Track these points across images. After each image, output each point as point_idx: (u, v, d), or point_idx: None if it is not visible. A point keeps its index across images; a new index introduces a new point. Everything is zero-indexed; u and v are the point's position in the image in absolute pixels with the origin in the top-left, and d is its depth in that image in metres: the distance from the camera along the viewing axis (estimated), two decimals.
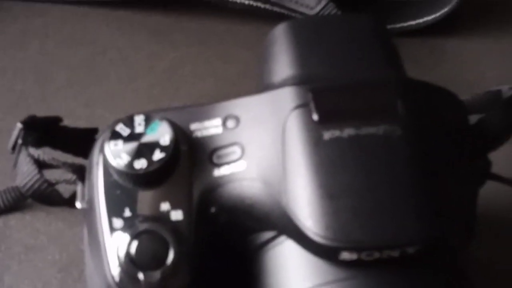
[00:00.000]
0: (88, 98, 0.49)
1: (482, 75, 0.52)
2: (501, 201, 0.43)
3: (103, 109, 0.48)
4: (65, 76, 0.50)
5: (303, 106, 0.32)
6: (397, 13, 0.52)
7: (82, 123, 0.42)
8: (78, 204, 0.35)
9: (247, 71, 0.50)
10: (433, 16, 0.52)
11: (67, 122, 0.41)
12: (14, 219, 0.43)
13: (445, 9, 0.52)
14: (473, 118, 0.37)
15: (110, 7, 0.53)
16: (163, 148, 0.32)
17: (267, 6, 0.52)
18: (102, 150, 0.33)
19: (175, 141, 0.32)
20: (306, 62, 0.33)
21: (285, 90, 0.32)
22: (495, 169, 0.39)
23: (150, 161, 0.32)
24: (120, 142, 0.33)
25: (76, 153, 0.39)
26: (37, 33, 0.52)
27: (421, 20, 0.52)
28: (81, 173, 0.36)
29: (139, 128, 0.33)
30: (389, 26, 0.52)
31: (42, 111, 0.46)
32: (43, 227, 0.43)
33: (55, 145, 0.39)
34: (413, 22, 0.52)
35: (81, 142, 0.38)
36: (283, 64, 0.34)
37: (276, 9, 0.52)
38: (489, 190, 0.41)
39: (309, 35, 0.34)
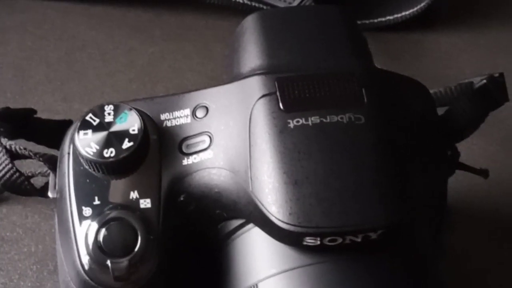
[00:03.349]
0: (67, 93, 0.49)
1: (460, 70, 0.52)
2: (472, 191, 0.43)
3: (81, 104, 0.48)
4: (44, 71, 0.50)
5: (269, 94, 0.32)
6: (375, 8, 0.53)
7: (60, 118, 0.42)
8: (50, 194, 0.36)
9: (217, 60, 0.50)
10: (411, 11, 0.52)
11: (45, 116, 0.41)
12: None
13: (423, 4, 0.52)
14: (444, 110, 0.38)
15: (89, 2, 0.54)
16: (131, 137, 0.33)
17: (246, 1, 0.52)
18: (72, 139, 0.33)
19: (144, 130, 0.33)
20: (273, 52, 0.33)
21: (252, 79, 0.33)
22: (470, 159, 0.39)
23: (118, 150, 0.32)
24: (89, 132, 0.33)
25: (50, 145, 0.40)
26: (16, 28, 0.53)
27: (399, 15, 0.53)
28: (54, 164, 0.36)
29: (108, 118, 0.34)
30: (367, 21, 0.52)
31: (20, 106, 0.46)
32: (19, 220, 0.43)
33: (29, 137, 0.39)
34: (391, 17, 0.53)
35: (55, 134, 0.38)
36: (251, 54, 0.34)
37: (255, 3, 0.52)
38: (464, 181, 0.41)
39: (277, 26, 0.34)
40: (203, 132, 0.33)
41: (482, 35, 0.54)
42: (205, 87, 0.35)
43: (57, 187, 0.35)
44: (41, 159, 0.37)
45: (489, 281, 0.42)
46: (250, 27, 0.35)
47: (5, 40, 0.52)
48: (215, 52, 0.52)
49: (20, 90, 0.49)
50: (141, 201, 0.33)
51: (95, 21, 0.53)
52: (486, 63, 0.53)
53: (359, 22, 0.41)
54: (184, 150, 0.33)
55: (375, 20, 0.53)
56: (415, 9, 0.52)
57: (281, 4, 0.51)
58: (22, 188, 0.39)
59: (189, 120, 0.34)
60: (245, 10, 0.52)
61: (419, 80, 0.36)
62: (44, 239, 0.42)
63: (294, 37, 0.34)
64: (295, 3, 0.51)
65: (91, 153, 0.32)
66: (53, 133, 0.39)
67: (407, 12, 0.52)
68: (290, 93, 0.32)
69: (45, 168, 0.39)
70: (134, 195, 0.33)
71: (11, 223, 0.43)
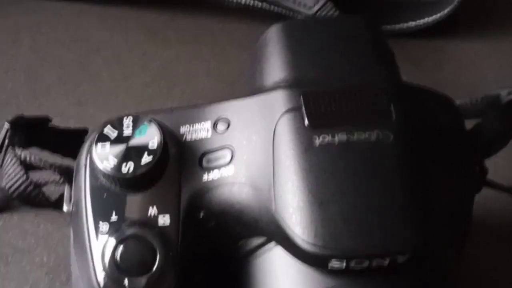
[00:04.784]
0: (80, 97, 0.48)
1: (482, 77, 0.51)
2: (499, 207, 0.42)
3: (95, 108, 0.47)
4: (57, 74, 0.49)
5: (294, 110, 0.31)
6: (397, 14, 0.52)
7: (73, 122, 0.42)
8: (65, 207, 0.35)
9: (242, 71, 0.49)
10: (433, 18, 0.51)
11: (58, 120, 0.40)
12: (2, 220, 0.42)
13: (446, 11, 0.51)
14: (471, 123, 0.37)
15: (104, 4, 0.53)
16: (151, 152, 0.32)
17: (264, 5, 0.51)
18: (89, 152, 0.32)
19: (164, 144, 0.32)
20: (297, 64, 0.32)
21: (276, 93, 0.32)
22: (494, 175, 0.38)
23: (137, 165, 0.31)
24: (107, 145, 0.32)
25: (65, 154, 0.39)
26: (29, 29, 0.52)
27: (421, 22, 0.51)
28: (69, 175, 0.35)
29: (127, 131, 0.33)
30: (389, 27, 0.51)
31: (33, 109, 0.46)
32: (31, 228, 0.42)
33: (43, 146, 0.39)
34: (413, 24, 0.52)
35: (70, 142, 0.38)
36: (274, 67, 0.33)
37: (273, 8, 0.51)
38: (488, 196, 0.40)
39: (301, 38, 0.33)
40: (225, 146, 0.32)
41: (504, 42, 0.53)
42: (225, 98, 0.34)
43: (72, 200, 0.34)
44: (56, 171, 0.36)
45: None
46: (273, 38, 0.34)
47: (18, 41, 0.51)
48: (232, 56, 0.51)
49: (33, 93, 0.48)
50: (160, 217, 0.32)
51: (110, 23, 0.52)
52: (509, 69, 0.51)
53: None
54: (205, 164, 0.32)
55: (396, 27, 0.52)
56: (437, 15, 0.51)
57: (301, 9, 0.50)
58: (36, 201, 0.38)
59: (210, 133, 0.33)
60: (263, 15, 0.51)
61: (441, 87, 0.35)
62: (57, 249, 0.41)
63: (319, 50, 0.33)
64: (315, 8, 0.49)
65: (109, 167, 0.31)
66: (68, 142, 0.38)
67: (428, 19, 0.51)
68: (316, 108, 0.31)
69: (57, 176, 0.38)
70: (152, 211, 0.32)
71: (23, 231, 0.42)
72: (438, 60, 0.52)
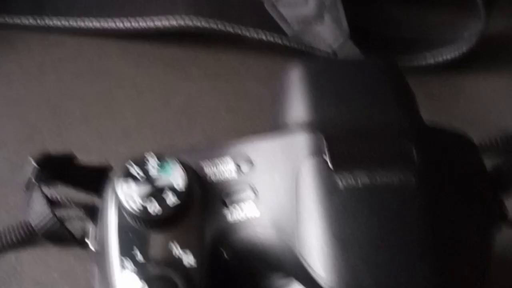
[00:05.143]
0: (103, 132, 0.49)
1: (500, 115, 0.51)
2: None
3: (118, 143, 0.48)
4: (80, 109, 0.50)
5: (317, 153, 0.31)
6: (417, 52, 0.52)
7: (95, 157, 0.42)
8: (89, 244, 0.35)
9: (263, 107, 0.49)
10: (452, 55, 0.52)
11: (81, 155, 0.41)
12: (25, 254, 0.43)
13: (464, 48, 0.51)
14: (491, 161, 0.37)
15: (126, 39, 0.53)
16: (177, 193, 0.32)
17: (284, 41, 0.52)
18: (114, 191, 0.33)
19: (190, 185, 0.32)
20: (320, 106, 0.33)
21: (300, 135, 0.32)
22: None
23: (163, 206, 0.32)
24: (132, 184, 0.33)
25: (89, 190, 0.39)
26: (53, 65, 0.52)
27: (440, 59, 0.52)
28: (93, 212, 0.36)
29: (152, 170, 0.33)
30: (407, 64, 0.52)
31: (56, 144, 0.47)
32: (55, 263, 0.43)
33: (67, 182, 0.39)
34: (432, 61, 0.52)
35: (94, 179, 0.38)
36: (297, 107, 0.33)
37: (293, 45, 0.51)
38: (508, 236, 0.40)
39: (323, 79, 0.34)
40: (248, 186, 0.33)
41: None
42: (246, 135, 0.34)
43: (97, 237, 0.34)
44: (82, 210, 0.37)
45: None
46: (296, 77, 0.35)
47: (42, 76, 0.52)
48: (252, 92, 0.51)
49: (56, 128, 0.49)
50: (184, 257, 0.32)
51: (131, 58, 0.53)
52: None
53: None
54: (228, 204, 0.33)
55: (415, 63, 0.52)
56: (456, 53, 0.52)
57: (321, 46, 0.50)
58: (62, 238, 0.39)
59: (233, 173, 0.33)
60: (283, 51, 0.52)
61: (457, 122, 0.35)
62: (79, 283, 0.42)
63: (341, 92, 0.33)
64: (335, 45, 0.50)
65: (134, 207, 0.32)
66: (92, 178, 0.39)
67: (447, 56, 0.52)
68: (339, 151, 0.31)
69: (83, 213, 0.38)
70: (177, 251, 0.32)
71: (47, 266, 0.43)
72: (455, 95, 0.53)
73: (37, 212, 0.37)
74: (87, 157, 0.41)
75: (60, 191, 0.38)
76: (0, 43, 0.53)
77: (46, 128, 0.49)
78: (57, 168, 0.38)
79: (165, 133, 0.49)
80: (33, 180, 0.37)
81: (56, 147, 0.41)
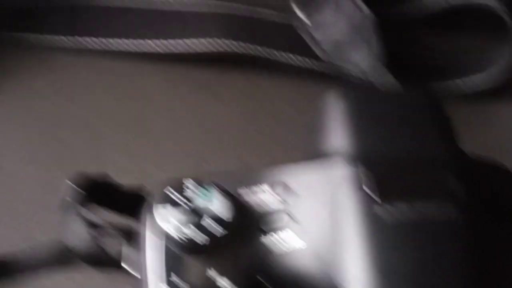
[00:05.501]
0: (139, 155, 0.49)
1: None
2: None
3: (153, 166, 0.48)
4: (113, 129, 0.50)
5: (360, 185, 0.32)
6: (449, 79, 0.52)
7: (128, 178, 0.42)
8: (126, 268, 0.35)
9: (295, 130, 0.49)
10: (485, 83, 0.52)
11: (114, 176, 0.41)
12: (61, 276, 0.43)
13: (497, 76, 0.51)
14: None
15: (160, 61, 0.54)
16: (214, 218, 0.32)
17: (317, 66, 0.52)
18: (154, 217, 0.33)
19: (228, 211, 0.32)
20: (362, 137, 0.33)
21: (342, 167, 0.32)
22: None
23: (202, 231, 0.32)
24: (173, 210, 0.33)
25: (125, 213, 0.39)
26: (88, 85, 0.53)
27: (473, 86, 0.52)
28: (130, 236, 0.36)
29: (189, 194, 0.33)
30: (440, 91, 0.52)
31: (89, 165, 0.47)
32: (88, 284, 0.43)
33: (104, 204, 0.39)
34: (464, 88, 0.52)
35: (130, 202, 0.38)
36: (339, 137, 0.34)
37: (325, 69, 0.52)
38: None
39: (365, 109, 0.34)
40: (284, 211, 0.33)
41: None
42: (279, 158, 0.34)
43: (133, 260, 0.35)
44: (119, 233, 0.37)
45: None
46: (336, 106, 0.35)
47: (76, 96, 0.52)
48: (284, 115, 0.51)
49: (89, 148, 0.49)
50: (219, 280, 0.32)
51: (166, 80, 0.53)
52: None
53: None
54: (264, 228, 0.33)
55: (447, 91, 0.52)
56: (490, 80, 0.52)
57: (354, 71, 0.51)
58: (99, 262, 0.39)
59: (269, 197, 0.34)
60: (315, 75, 0.52)
61: (489, 150, 0.35)
62: None
63: (383, 123, 0.34)
64: (368, 71, 0.50)
65: (172, 231, 0.32)
66: (127, 200, 0.39)
67: (480, 84, 0.52)
68: (380, 182, 0.31)
69: (119, 235, 0.38)
70: (212, 273, 0.32)
71: (79, 286, 0.43)
72: (486, 122, 0.52)
73: (76, 234, 0.37)
74: (120, 178, 0.42)
75: (96, 213, 0.39)
76: (36, 62, 0.54)
77: (79, 148, 0.49)
78: (93, 190, 0.39)
79: (199, 156, 0.49)
80: (71, 201, 0.37)
81: (89, 167, 0.42)
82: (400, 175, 0.31)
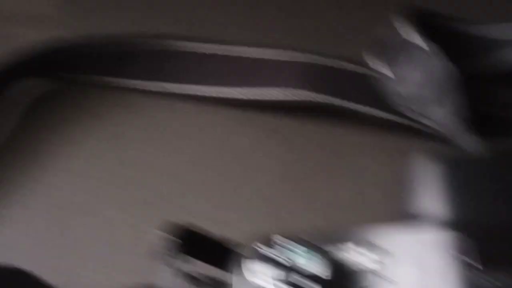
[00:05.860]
0: (224, 203, 0.50)
1: None
2: None
3: (239, 215, 0.48)
4: (194, 175, 0.51)
5: (456, 250, 0.32)
6: None
7: (211, 226, 0.43)
8: None
9: (379, 185, 0.50)
10: None
11: (203, 226, 0.42)
12: None
13: None
14: None
15: (241, 108, 0.55)
16: (309, 275, 0.33)
17: (397, 120, 0.52)
18: (241, 269, 0.33)
19: (324, 268, 0.33)
20: (460, 203, 0.33)
21: (436, 230, 0.32)
22: None
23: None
24: (260, 263, 0.33)
25: (211, 262, 0.40)
26: (171, 130, 0.54)
27: None
28: (219, 285, 0.36)
29: (282, 251, 0.34)
30: None
31: (173, 212, 0.48)
32: None
33: (191, 253, 0.40)
34: None
35: (216, 251, 0.39)
36: (429, 199, 0.34)
37: (406, 123, 0.52)
38: None
39: (455, 171, 0.34)
40: (377, 271, 0.33)
41: None
42: (361, 209, 0.34)
43: None
44: (210, 282, 0.38)
45: None
46: (425, 167, 0.35)
47: (160, 141, 0.53)
48: (365, 168, 0.51)
49: (173, 194, 0.50)
50: None
51: (247, 128, 0.54)
52: None
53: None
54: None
55: None
56: None
57: (438, 128, 0.50)
58: None
59: (361, 256, 0.34)
60: (396, 127, 0.52)
61: None
62: None
63: (474, 185, 0.34)
64: (452, 128, 0.50)
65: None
66: (215, 251, 0.39)
67: None
68: (479, 249, 0.31)
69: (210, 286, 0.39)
70: None
71: None
72: None
73: (167, 284, 0.38)
74: (205, 227, 0.42)
75: (186, 263, 0.39)
76: (120, 106, 0.55)
77: (163, 194, 0.50)
78: (183, 239, 0.39)
79: (280, 207, 0.49)
80: (164, 251, 0.38)
81: (173, 214, 0.43)
82: (499, 242, 0.31)
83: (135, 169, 0.52)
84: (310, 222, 0.47)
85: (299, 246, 0.34)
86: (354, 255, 0.34)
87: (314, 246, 0.34)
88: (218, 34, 0.57)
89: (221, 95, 0.55)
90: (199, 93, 0.55)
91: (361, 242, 0.34)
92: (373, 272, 0.33)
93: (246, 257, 0.34)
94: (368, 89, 0.52)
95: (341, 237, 0.34)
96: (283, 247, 0.34)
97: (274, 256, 0.33)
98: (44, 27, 0.62)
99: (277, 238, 0.34)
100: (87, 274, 0.46)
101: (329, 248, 0.34)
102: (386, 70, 0.52)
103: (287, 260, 0.33)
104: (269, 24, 0.60)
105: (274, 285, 0.32)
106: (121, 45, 0.57)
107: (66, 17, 0.64)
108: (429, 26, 0.52)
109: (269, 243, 0.34)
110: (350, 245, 0.34)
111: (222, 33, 0.58)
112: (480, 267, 0.31)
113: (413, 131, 0.52)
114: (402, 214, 0.35)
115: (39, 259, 0.47)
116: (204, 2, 0.63)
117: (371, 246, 0.34)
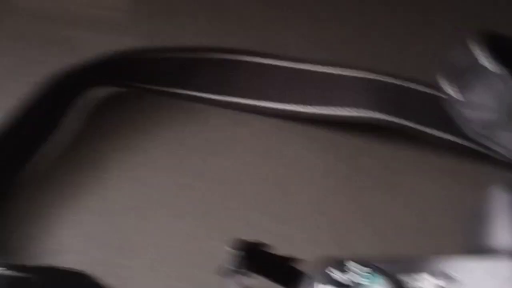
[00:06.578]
0: (279, 216, 0.49)
1: None
2: None
3: (297, 231, 0.48)
4: (255, 190, 0.51)
5: None
6: None
7: (273, 241, 0.42)
8: None
9: (446, 212, 0.49)
10: None
11: (261, 239, 0.41)
12: None
13: None
14: None
15: (307, 124, 0.55)
16: None
17: (463, 143, 0.52)
18: None
19: None
20: None
21: None
22: None
23: None
24: None
25: (279, 281, 0.40)
26: (231, 141, 0.54)
27: None
28: None
29: (352, 276, 0.34)
30: None
31: (233, 224, 0.48)
32: None
33: (259, 271, 0.40)
34: None
35: (284, 270, 0.39)
36: (507, 233, 0.33)
37: (476, 147, 0.51)
38: None
39: None
40: None
41: None
42: (448, 255, 0.34)
43: None
44: None
45: None
46: (502, 199, 0.35)
47: (228, 158, 0.53)
48: (434, 196, 0.51)
49: (232, 206, 0.50)
50: None
51: (309, 143, 0.54)
52: None
53: None
54: None
55: None
56: None
57: (505, 152, 0.50)
58: None
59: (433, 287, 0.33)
60: (462, 150, 0.52)
61: None
62: None
63: None
64: None
65: None
66: (283, 270, 0.39)
67: None
68: None
69: None
70: None
71: None
72: None
73: None
74: (270, 244, 0.42)
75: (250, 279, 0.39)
76: (185, 116, 0.56)
77: (222, 205, 0.50)
78: (252, 257, 0.39)
79: (344, 228, 0.49)
80: (229, 266, 0.38)
81: (236, 228, 0.42)
82: None
83: (197, 180, 0.52)
84: (376, 247, 0.47)
85: (372, 272, 0.33)
86: (426, 285, 0.33)
87: (388, 274, 0.33)
88: (290, 51, 0.58)
89: (287, 110, 0.55)
90: (266, 106, 0.56)
91: (435, 272, 0.34)
92: None
93: (318, 280, 0.33)
94: (438, 112, 0.52)
95: (413, 266, 0.34)
96: (356, 273, 0.34)
97: (347, 282, 0.33)
98: (109, 32, 0.63)
99: (350, 264, 0.34)
100: (147, 281, 0.47)
101: (402, 276, 0.34)
102: (457, 94, 0.51)
103: (359, 286, 0.33)
104: (343, 44, 0.60)
105: None
106: (190, 56, 0.57)
107: (132, 23, 0.64)
108: (501, 50, 0.51)
109: (342, 268, 0.34)
110: (421, 275, 0.34)
111: (295, 50, 0.59)
112: None
113: (482, 157, 0.51)
114: (472, 245, 0.35)
115: (104, 264, 0.47)
116: (279, 19, 0.63)
117: (445, 277, 0.33)
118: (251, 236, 0.41)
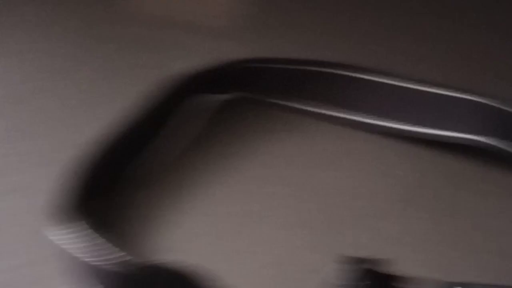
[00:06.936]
0: (387, 234, 0.49)
1: None
2: None
3: (405, 249, 0.47)
4: (349, 206, 0.51)
5: None
6: None
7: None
8: None
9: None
10: None
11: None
12: None
13: None
14: None
15: (406, 142, 0.55)
16: None
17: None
18: None
19: None
20: None
21: None
22: None
23: None
24: None
25: None
26: (337, 156, 0.54)
27: None
28: None
29: None
30: None
31: (339, 240, 0.48)
32: None
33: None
34: None
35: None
36: None
37: None
38: None
39: None
40: None
41: None
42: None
43: None
44: None
45: None
46: None
47: (334, 173, 0.53)
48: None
49: (347, 227, 0.49)
50: None
51: (413, 163, 0.54)
52: None
53: None
54: None
55: None
56: None
57: None
58: None
59: None
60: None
61: None
62: None
63: None
64: None
65: None
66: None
67: None
68: None
69: None
70: None
71: None
72: None
73: None
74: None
75: None
76: (292, 127, 0.56)
77: (326, 219, 0.50)
78: (367, 276, 0.38)
79: (445, 246, 0.48)
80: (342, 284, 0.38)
81: (342, 245, 0.42)
82: None
83: (302, 191, 0.52)
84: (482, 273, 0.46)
85: None
86: None
87: None
88: (403, 70, 0.58)
89: (392, 128, 0.55)
90: (376, 124, 0.56)
91: None
92: None
93: None
94: None
95: None
96: None
97: None
98: (222, 40, 0.64)
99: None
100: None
101: None
102: None
103: None
104: (457, 68, 0.60)
105: None
106: (302, 68, 0.57)
107: (245, 32, 0.65)
108: None
109: None
110: None
111: (403, 69, 0.58)
112: None
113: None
114: None
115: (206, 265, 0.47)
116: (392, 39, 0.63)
117: None
118: (355, 253, 0.40)
